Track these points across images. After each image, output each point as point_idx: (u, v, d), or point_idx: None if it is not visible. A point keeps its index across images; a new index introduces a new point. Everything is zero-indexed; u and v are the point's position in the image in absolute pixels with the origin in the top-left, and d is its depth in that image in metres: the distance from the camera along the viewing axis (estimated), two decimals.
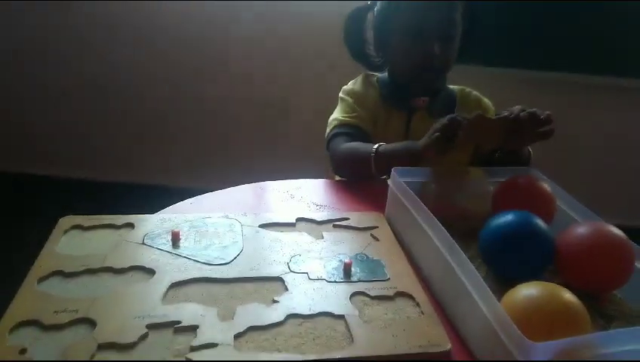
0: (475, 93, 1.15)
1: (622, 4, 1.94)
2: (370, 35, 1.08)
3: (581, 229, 0.66)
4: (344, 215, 0.82)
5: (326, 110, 1.13)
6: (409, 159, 0.88)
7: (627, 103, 2.22)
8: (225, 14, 2.01)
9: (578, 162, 2.30)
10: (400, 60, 1.06)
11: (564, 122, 2.28)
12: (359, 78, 1.15)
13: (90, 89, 2.16)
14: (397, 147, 0.92)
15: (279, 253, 0.71)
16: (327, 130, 1.08)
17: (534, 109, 0.81)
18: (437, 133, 0.83)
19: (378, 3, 1.05)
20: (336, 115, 1.09)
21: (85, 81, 2.14)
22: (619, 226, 0.65)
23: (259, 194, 0.93)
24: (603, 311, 0.63)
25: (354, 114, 1.07)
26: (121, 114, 2.21)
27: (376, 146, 0.93)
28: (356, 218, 0.82)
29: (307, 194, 0.93)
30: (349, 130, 1.04)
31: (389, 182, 0.82)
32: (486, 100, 1.15)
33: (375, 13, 1.06)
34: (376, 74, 1.14)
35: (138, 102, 2.19)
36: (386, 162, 0.90)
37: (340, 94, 1.13)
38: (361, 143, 0.99)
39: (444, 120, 0.83)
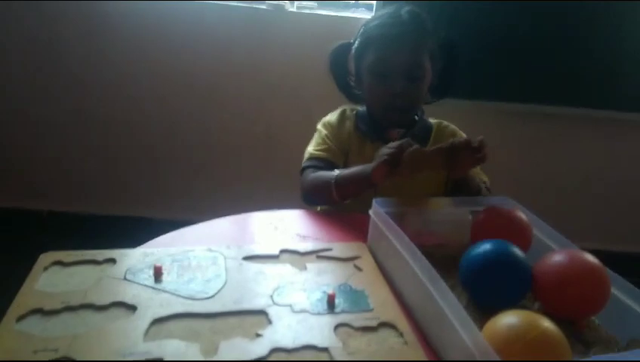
0: (452, 127, 1.18)
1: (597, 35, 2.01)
2: (352, 68, 1.13)
3: (557, 257, 0.67)
4: (327, 245, 0.83)
5: (305, 138, 1.17)
6: (362, 182, 0.93)
7: (601, 133, 2.29)
8: (212, 43, 2.03)
9: (550, 192, 2.35)
10: (368, 97, 1.11)
11: (540, 151, 2.35)
12: (337, 111, 1.19)
13: (69, 120, 2.14)
14: (353, 171, 0.96)
15: (263, 285, 0.71)
16: (302, 162, 1.11)
17: (468, 138, 0.86)
18: (385, 157, 0.86)
19: (357, 40, 1.09)
20: (310, 148, 1.13)
21: (62, 112, 2.13)
22: (594, 251, 0.67)
23: (242, 226, 0.93)
24: (582, 337, 0.64)
25: (325, 146, 1.11)
26: (101, 145, 2.19)
27: (336, 173, 0.97)
28: (339, 248, 0.83)
29: (290, 225, 0.94)
30: (318, 163, 1.08)
31: (371, 212, 0.84)
32: (462, 134, 1.17)
33: (353, 49, 1.10)
34: (356, 107, 1.17)
35: (118, 134, 2.17)
36: (344, 187, 0.96)
37: (318, 125, 1.17)
38: (325, 171, 1.02)
39: (394, 144, 0.87)
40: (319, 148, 1.11)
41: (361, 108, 1.16)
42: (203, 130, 2.17)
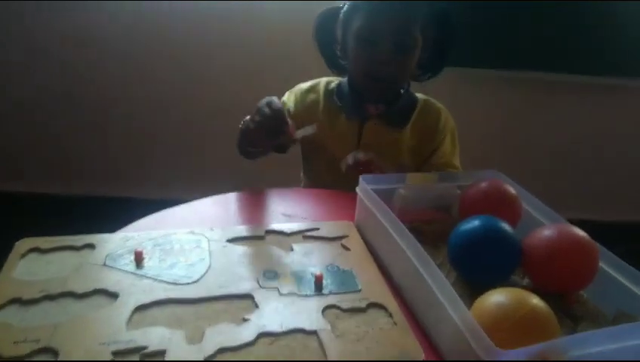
0: (437, 106, 1.12)
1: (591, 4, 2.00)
2: (339, 35, 1.06)
3: (546, 232, 0.67)
4: (314, 225, 0.82)
5: None
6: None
7: (590, 100, 2.28)
8: (198, 19, 1.97)
9: (539, 160, 2.35)
10: (353, 66, 1.04)
11: (527, 121, 2.35)
12: (312, 81, 1.14)
13: (45, 99, 2.08)
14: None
15: (248, 268, 0.70)
16: None
17: (357, 157, 0.92)
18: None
19: (346, 4, 1.03)
20: None
21: (37, 91, 2.06)
22: (582, 221, 0.66)
23: (225, 206, 0.91)
24: (570, 312, 0.64)
25: (286, 101, 1.09)
26: (80, 124, 2.14)
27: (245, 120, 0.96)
28: (326, 227, 0.81)
29: (275, 204, 0.92)
30: None
31: (358, 189, 0.82)
32: (447, 114, 1.11)
33: (341, 14, 1.04)
34: (336, 79, 1.13)
35: (98, 112, 2.12)
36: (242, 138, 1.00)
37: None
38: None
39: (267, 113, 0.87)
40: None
41: (343, 80, 1.11)
42: (186, 108, 2.13)
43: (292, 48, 1.92)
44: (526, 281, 0.70)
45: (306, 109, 1.09)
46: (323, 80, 1.14)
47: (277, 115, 0.86)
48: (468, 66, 2.07)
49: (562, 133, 2.33)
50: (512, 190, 0.78)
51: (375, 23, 0.96)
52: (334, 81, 1.13)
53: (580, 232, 0.65)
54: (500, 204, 0.76)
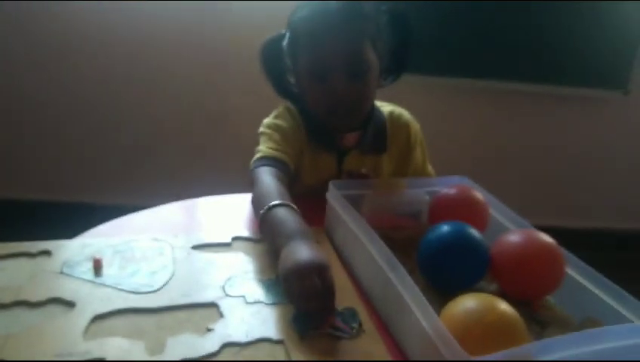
0: (404, 117, 1.05)
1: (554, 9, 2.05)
2: (288, 63, 0.95)
3: (512, 237, 0.67)
4: None
5: (260, 119, 1.03)
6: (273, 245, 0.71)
7: (554, 110, 2.35)
8: (158, 22, 1.94)
9: (506, 168, 2.40)
10: (312, 103, 0.94)
11: (493, 130, 2.40)
12: (280, 111, 1.01)
13: (3, 101, 2.02)
14: (278, 230, 0.70)
15: (214, 276, 0.68)
16: (251, 162, 0.91)
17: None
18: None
19: (287, 33, 0.93)
20: (262, 146, 0.93)
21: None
22: (549, 227, 0.67)
23: (190, 212, 0.89)
24: (537, 318, 0.64)
25: (280, 147, 0.92)
26: (37, 126, 2.07)
27: (271, 206, 0.73)
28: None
29: (242, 210, 0.90)
30: (274, 164, 0.89)
31: (328, 195, 0.81)
32: (414, 125, 1.06)
33: (285, 45, 0.93)
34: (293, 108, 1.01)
35: (55, 114, 2.06)
36: (262, 229, 0.76)
37: (262, 129, 0.98)
38: (274, 190, 0.79)
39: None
40: (273, 147, 0.92)
41: (302, 109, 0.99)
42: (148, 110, 2.09)
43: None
44: (494, 286, 0.70)
45: (295, 146, 0.96)
46: (289, 107, 1.01)
47: (328, 297, 0.62)
48: (438, 75, 2.10)
49: (531, 142, 2.39)
50: (480, 196, 0.79)
51: (322, 57, 0.87)
52: (294, 110, 1.01)
53: (547, 238, 0.66)
54: (469, 210, 0.77)
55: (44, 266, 0.66)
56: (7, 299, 0.59)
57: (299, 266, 0.60)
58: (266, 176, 0.84)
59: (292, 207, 0.73)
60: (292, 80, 0.96)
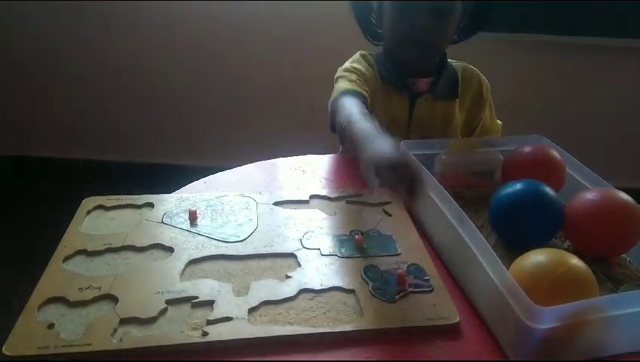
0: (476, 72, 1.06)
1: None
2: (374, 3, 1.00)
3: (589, 195, 0.66)
4: (357, 191, 0.83)
5: (330, 85, 1.04)
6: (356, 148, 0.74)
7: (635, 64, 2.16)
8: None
9: (587, 126, 2.25)
10: (389, 33, 0.98)
11: (572, 86, 2.25)
12: (356, 56, 1.04)
13: (98, 72, 2.19)
14: (358, 135, 0.74)
15: (292, 229, 0.73)
16: (330, 100, 0.95)
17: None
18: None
19: None
20: (341, 85, 0.96)
21: (91, 64, 2.17)
22: (629, 188, 0.65)
23: (271, 171, 0.94)
24: (611, 275, 0.64)
25: (358, 84, 0.96)
26: (135, 97, 2.24)
27: (350, 117, 0.80)
28: (369, 194, 0.83)
29: (319, 171, 0.94)
30: (355, 95, 0.91)
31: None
32: (486, 81, 1.07)
33: None
34: (369, 53, 1.05)
35: (150, 84, 2.20)
36: (343, 136, 0.85)
37: (338, 73, 1.01)
38: (354, 106, 0.84)
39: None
40: (351, 85, 0.94)
41: (376, 54, 1.04)
42: (230, 80, 2.18)
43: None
44: (567, 244, 0.70)
45: (370, 87, 0.99)
46: (364, 53, 1.06)
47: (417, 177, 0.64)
48: (514, 32, 2.00)
49: (613, 100, 2.21)
50: (556, 155, 0.77)
51: None
52: (370, 55, 1.05)
53: (625, 196, 0.64)
54: (545, 169, 0.75)
55: (148, 216, 0.74)
56: (117, 243, 0.68)
57: (390, 157, 0.64)
58: (349, 100, 0.88)
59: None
60: (374, 18, 1.01)
